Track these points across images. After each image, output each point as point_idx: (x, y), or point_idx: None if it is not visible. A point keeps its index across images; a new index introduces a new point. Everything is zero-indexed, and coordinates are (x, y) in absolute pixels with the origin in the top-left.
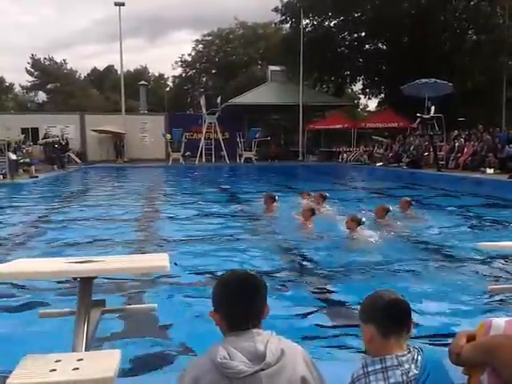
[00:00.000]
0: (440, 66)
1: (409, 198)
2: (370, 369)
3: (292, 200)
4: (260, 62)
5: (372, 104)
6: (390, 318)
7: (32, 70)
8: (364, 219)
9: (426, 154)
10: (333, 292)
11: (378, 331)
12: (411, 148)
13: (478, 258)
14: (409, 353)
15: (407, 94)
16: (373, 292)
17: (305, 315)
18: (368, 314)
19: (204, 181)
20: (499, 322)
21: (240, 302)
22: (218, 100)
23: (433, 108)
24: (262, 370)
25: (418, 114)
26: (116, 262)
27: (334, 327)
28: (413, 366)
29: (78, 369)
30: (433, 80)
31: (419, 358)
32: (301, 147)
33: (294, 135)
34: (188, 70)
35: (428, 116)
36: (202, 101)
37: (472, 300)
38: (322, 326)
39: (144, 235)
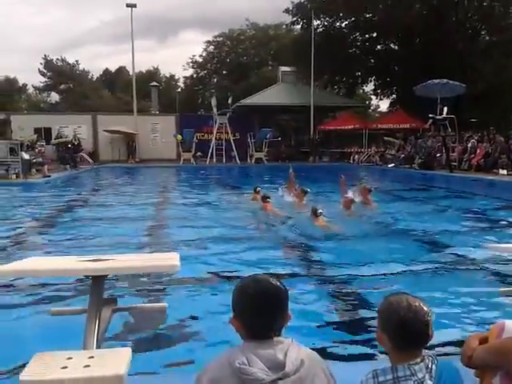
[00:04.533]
0: (452, 67)
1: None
2: (380, 379)
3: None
4: (271, 63)
5: (384, 105)
6: (402, 337)
7: (45, 71)
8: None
9: (439, 155)
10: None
11: (390, 342)
12: (423, 149)
13: (490, 259)
14: (422, 361)
15: (419, 95)
16: (392, 297)
17: (316, 312)
18: (382, 324)
19: (215, 181)
20: None
21: (263, 313)
22: (229, 101)
23: (445, 109)
24: (280, 379)
25: (431, 115)
26: (127, 261)
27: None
28: (427, 376)
29: (89, 366)
30: (445, 81)
31: (433, 366)
32: (312, 148)
33: (305, 136)
34: (199, 70)
35: (440, 117)
36: (213, 101)
37: (484, 302)
38: (331, 324)
39: (155, 234)
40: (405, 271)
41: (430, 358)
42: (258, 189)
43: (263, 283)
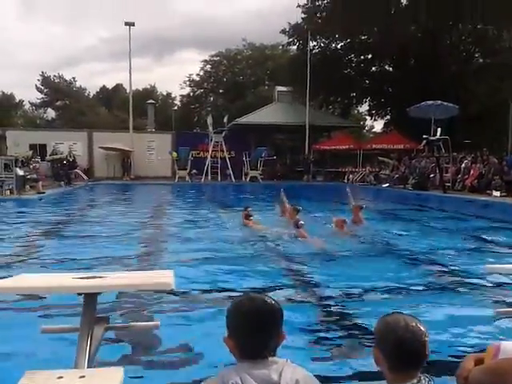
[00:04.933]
0: (446, 89)
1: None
2: None
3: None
4: (267, 83)
5: (378, 125)
6: (399, 358)
7: (41, 87)
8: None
9: (432, 175)
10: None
11: (387, 362)
12: (417, 169)
13: (486, 280)
14: (418, 382)
15: (413, 116)
16: (389, 317)
17: (306, 332)
18: (378, 342)
19: (209, 199)
20: (508, 345)
21: (257, 333)
22: (225, 119)
23: (439, 130)
24: None
25: (424, 136)
26: (120, 279)
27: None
28: None
29: None
30: (439, 102)
31: None
32: (306, 167)
33: (300, 155)
34: (196, 89)
35: (434, 138)
36: (209, 120)
37: (479, 323)
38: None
39: (149, 252)
40: (398, 291)
41: (427, 379)
42: (249, 208)
43: (257, 301)
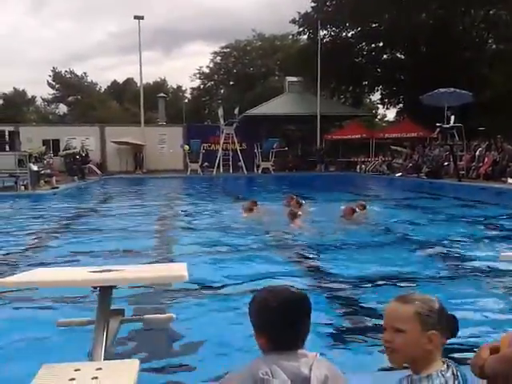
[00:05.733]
0: (459, 75)
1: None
2: None
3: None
4: (277, 73)
5: (390, 114)
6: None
7: (53, 83)
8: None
9: (446, 163)
10: (357, 295)
11: (442, 336)
12: (431, 158)
13: (501, 268)
14: (448, 367)
15: (426, 104)
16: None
17: (327, 322)
18: (436, 319)
19: (222, 191)
20: None
21: (288, 326)
22: (236, 111)
23: (452, 117)
24: None
25: (438, 124)
26: (135, 272)
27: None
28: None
29: (97, 378)
30: (452, 89)
31: (458, 373)
32: (319, 157)
33: (312, 146)
34: (206, 81)
35: (448, 126)
36: (220, 112)
37: (495, 312)
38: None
39: (163, 245)
40: (411, 279)
41: (453, 364)
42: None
43: (284, 293)
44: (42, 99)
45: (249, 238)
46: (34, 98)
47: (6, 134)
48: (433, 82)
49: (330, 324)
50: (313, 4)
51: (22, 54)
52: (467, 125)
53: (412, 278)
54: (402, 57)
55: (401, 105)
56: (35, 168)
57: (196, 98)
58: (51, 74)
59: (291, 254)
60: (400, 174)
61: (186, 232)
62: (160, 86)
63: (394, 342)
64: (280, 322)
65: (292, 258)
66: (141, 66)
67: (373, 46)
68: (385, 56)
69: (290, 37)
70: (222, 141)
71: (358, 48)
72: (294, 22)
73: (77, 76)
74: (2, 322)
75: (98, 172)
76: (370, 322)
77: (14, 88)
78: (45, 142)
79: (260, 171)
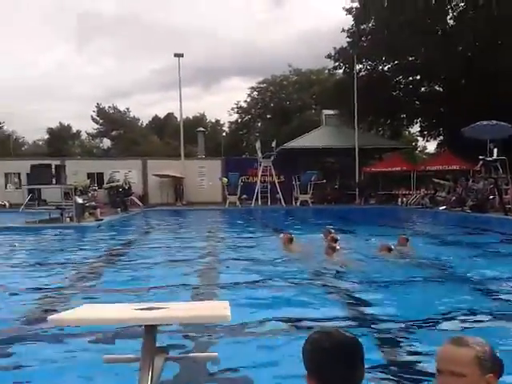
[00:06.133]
0: (500, 107)
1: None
2: None
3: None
4: (314, 107)
5: (431, 146)
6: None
7: (97, 118)
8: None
9: (492, 197)
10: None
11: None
12: (475, 191)
13: None
14: None
15: (468, 136)
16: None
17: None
18: (491, 363)
19: (260, 223)
20: None
21: (339, 369)
22: (273, 144)
23: (495, 150)
24: None
25: (481, 157)
26: (179, 311)
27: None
28: None
29: None
30: (494, 122)
31: None
32: (358, 190)
33: (350, 178)
34: (244, 115)
35: (491, 158)
36: (258, 145)
37: None
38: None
39: (203, 278)
40: (458, 319)
41: None
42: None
43: (339, 336)
44: (87, 134)
45: (288, 272)
46: (79, 132)
47: (53, 167)
48: (473, 113)
49: (374, 367)
50: (348, 39)
51: (68, 90)
52: (510, 157)
53: (457, 317)
54: (441, 89)
55: (441, 137)
56: (80, 200)
57: (234, 132)
58: (95, 109)
59: (329, 289)
60: (444, 207)
61: (225, 265)
62: (199, 120)
63: None
64: (331, 365)
65: (331, 293)
66: (181, 101)
67: (410, 79)
68: (422, 89)
69: (326, 71)
70: (259, 173)
71: (394, 81)
72: (329, 57)
73: (120, 111)
74: (49, 356)
75: (140, 204)
76: (418, 365)
77: (59, 123)
78: (89, 175)
79: (298, 204)
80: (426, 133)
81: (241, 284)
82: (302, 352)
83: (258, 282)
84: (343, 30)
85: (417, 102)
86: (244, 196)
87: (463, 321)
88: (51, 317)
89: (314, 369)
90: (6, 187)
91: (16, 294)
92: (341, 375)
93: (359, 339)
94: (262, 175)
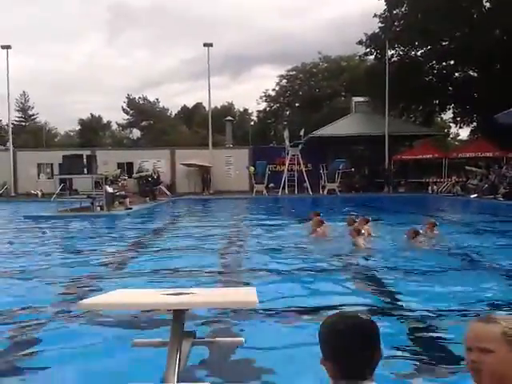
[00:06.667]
0: None
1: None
2: None
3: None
4: (344, 94)
5: (464, 132)
6: None
7: (127, 109)
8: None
9: None
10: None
11: None
12: (508, 179)
13: None
14: None
15: (502, 122)
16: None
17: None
18: None
19: (287, 212)
20: None
21: (357, 353)
22: (301, 132)
23: None
24: None
25: None
26: (207, 296)
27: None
28: None
29: None
30: None
31: None
32: (387, 178)
33: (380, 166)
34: (272, 104)
35: None
36: (286, 133)
37: None
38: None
39: (230, 265)
40: (487, 308)
41: None
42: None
43: (354, 319)
44: (117, 124)
45: (315, 259)
46: (109, 123)
47: (84, 157)
48: (508, 99)
49: (400, 354)
50: (380, 24)
51: (99, 82)
52: None
53: (487, 306)
54: (475, 74)
55: (474, 123)
56: (110, 190)
57: (262, 121)
58: (125, 100)
59: (355, 275)
60: (475, 195)
61: (252, 253)
62: (227, 109)
63: (482, 362)
64: (346, 347)
65: (356, 280)
66: (209, 91)
67: (443, 64)
68: (456, 74)
69: (357, 57)
70: (287, 162)
71: (427, 67)
72: (360, 43)
73: (149, 102)
74: (79, 342)
75: (168, 193)
76: (446, 351)
77: (91, 114)
78: (119, 165)
79: (325, 192)
80: (458, 119)
81: (267, 271)
82: (318, 335)
83: (282, 268)
84: (375, 15)
85: (450, 88)
86: (271, 185)
87: (493, 311)
88: (82, 301)
89: (329, 352)
90: (38, 177)
91: (50, 281)
92: (357, 357)
93: (386, 324)
94: (289, 164)
